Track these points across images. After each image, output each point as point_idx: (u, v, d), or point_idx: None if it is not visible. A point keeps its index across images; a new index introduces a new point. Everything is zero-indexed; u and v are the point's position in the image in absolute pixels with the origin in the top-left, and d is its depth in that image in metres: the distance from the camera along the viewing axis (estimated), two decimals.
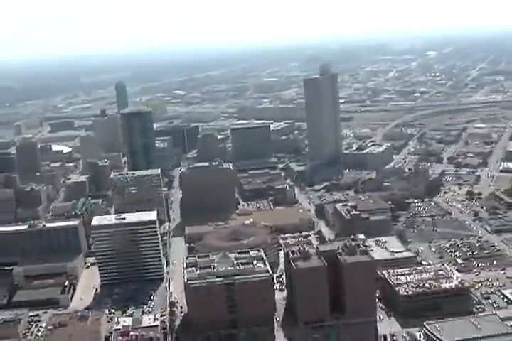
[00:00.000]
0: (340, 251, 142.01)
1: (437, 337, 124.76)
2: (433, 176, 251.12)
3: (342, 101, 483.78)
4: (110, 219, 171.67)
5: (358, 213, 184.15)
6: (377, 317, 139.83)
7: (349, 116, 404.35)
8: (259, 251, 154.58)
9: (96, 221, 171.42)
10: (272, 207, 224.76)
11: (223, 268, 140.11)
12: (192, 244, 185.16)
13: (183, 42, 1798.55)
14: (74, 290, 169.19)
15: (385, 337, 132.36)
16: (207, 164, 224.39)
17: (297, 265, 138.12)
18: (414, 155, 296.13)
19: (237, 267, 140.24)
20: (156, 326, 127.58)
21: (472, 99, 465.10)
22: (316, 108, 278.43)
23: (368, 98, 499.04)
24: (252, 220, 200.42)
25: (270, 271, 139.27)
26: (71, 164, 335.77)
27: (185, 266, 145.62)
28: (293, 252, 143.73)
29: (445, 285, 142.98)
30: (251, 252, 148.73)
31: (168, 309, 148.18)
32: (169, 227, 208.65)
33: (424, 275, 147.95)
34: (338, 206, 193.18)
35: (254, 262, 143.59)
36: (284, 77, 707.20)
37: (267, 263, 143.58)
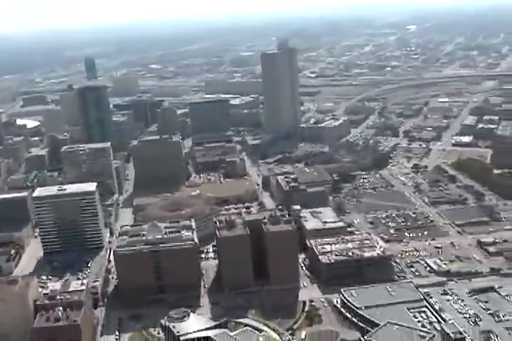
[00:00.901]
0: (265, 220, 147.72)
1: (351, 303, 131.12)
2: (385, 149, 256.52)
3: (313, 75, 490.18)
4: (52, 190, 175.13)
5: (296, 185, 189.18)
6: (302, 284, 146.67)
7: (316, 90, 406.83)
8: (196, 220, 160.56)
9: (38, 192, 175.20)
10: (221, 179, 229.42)
11: (151, 237, 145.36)
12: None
13: (174, 15, 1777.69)
14: (20, 258, 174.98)
15: (304, 302, 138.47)
16: (157, 137, 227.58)
17: (221, 233, 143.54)
18: (372, 129, 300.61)
19: (165, 235, 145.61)
20: (82, 290, 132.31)
21: (441, 73, 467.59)
22: (272, 82, 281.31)
23: (339, 72, 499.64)
24: (198, 192, 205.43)
25: (196, 240, 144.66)
26: (36, 138, 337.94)
27: (118, 234, 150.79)
28: (220, 221, 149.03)
29: (367, 253, 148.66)
30: (181, 222, 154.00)
31: (103, 275, 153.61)
32: (118, 198, 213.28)
33: (350, 245, 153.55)
34: (280, 178, 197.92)
35: (183, 231, 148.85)
36: (261, 52, 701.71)
37: (194, 232, 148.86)
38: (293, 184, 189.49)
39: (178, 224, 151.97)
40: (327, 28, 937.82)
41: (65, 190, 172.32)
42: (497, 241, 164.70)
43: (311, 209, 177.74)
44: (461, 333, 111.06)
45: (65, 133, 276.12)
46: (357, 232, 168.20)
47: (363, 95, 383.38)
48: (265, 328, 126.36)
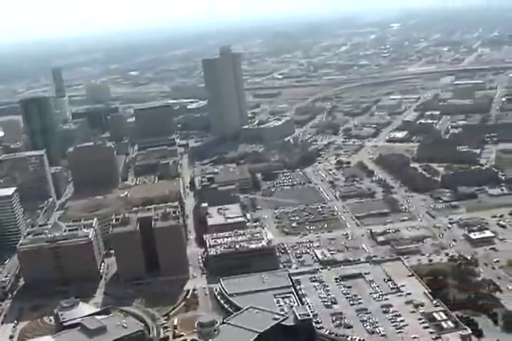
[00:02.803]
0: (156, 217, 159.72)
1: (225, 291, 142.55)
2: (318, 147, 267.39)
3: (280, 77, 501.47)
4: None
5: (207, 184, 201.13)
6: (191, 275, 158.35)
7: (277, 92, 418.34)
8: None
9: None
10: (155, 180, 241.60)
11: (51, 235, 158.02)
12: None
13: (164, 21, 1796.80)
14: None
15: (187, 291, 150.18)
16: (91, 144, 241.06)
17: (114, 230, 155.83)
18: (315, 128, 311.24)
19: (64, 233, 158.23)
20: None
21: (404, 71, 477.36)
22: (215, 87, 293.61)
23: (307, 73, 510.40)
24: (127, 193, 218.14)
25: (91, 236, 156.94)
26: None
27: (25, 234, 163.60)
28: (117, 219, 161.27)
29: (253, 245, 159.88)
30: (83, 221, 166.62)
31: (14, 271, 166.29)
32: (55, 202, 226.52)
33: (240, 238, 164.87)
34: (197, 178, 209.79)
35: (83, 229, 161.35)
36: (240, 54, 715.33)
37: (93, 229, 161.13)
38: (205, 183, 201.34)
39: (80, 223, 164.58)
40: (311, 29, 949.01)
41: None
42: (389, 231, 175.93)
43: (220, 206, 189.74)
44: (308, 315, 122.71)
45: (17, 142, 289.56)
46: (254, 226, 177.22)
47: (319, 95, 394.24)
48: (142, 314, 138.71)
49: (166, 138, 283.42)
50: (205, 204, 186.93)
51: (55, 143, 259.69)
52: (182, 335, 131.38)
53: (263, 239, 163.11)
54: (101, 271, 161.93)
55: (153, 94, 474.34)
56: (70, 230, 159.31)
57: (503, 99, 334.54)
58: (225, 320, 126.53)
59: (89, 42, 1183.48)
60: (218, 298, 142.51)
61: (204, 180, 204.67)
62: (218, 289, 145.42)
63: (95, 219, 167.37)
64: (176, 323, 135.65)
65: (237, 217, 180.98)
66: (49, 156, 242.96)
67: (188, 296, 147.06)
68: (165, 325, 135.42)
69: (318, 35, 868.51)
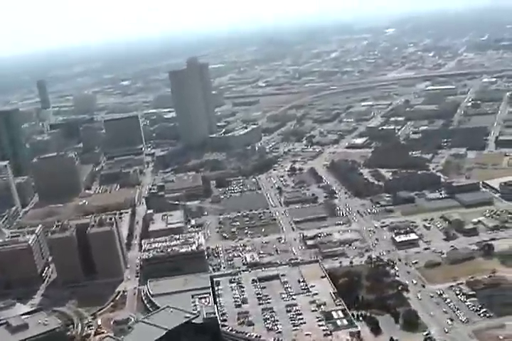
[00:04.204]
0: (93, 223, 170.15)
1: (149, 291, 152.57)
2: (279, 154, 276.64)
3: (263, 85, 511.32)
4: None
5: (154, 192, 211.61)
6: (126, 278, 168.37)
7: (255, 100, 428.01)
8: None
9: None
10: (117, 189, 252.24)
11: None
12: None
13: (164, 30, 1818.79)
14: None
15: (118, 292, 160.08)
16: (54, 154, 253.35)
17: (51, 236, 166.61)
18: (282, 135, 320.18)
19: (6, 239, 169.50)
20: None
21: (384, 77, 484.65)
22: (181, 98, 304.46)
23: (290, 81, 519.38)
24: (84, 201, 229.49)
25: (30, 242, 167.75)
26: None
27: None
28: (57, 226, 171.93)
29: (184, 249, 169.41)
30: (27, 228, 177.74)
31: None
32: (19, 210, 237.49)
33: (174, 242, 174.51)
34: (148, 186, 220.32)
35: (26, 235, 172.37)
36: (231, 62, 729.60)
37: (34, 236, 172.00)
38: (153, 191, 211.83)
39: (24, 230, 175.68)
40: (308, 35, 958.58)
41: None
42: (320, 235, 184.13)
43: (164, 213, 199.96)
44: (214, 313, 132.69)
45: None
46: (192, 232, 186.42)
47: (295, 103, 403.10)
48: (72, 313, 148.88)
49: (134, 147, 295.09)
50: (150, 211, 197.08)
51: (23, 154, 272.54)
52: (103, 333, 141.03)
53: (195, 243, 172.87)
54: (44, 274, 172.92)
55: (137, 104, 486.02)
56: (12, 236, 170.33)
57: (468, 104, 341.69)
58: (140, 319, 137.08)
59: (90, 52, 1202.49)
60: (143, 298, 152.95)
61: (153, 188, 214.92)
62: (145, 290, 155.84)
63: (39, 226, 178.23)
64: (99, 322, 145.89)
65: (177, 222, 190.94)
66: (18, 167, 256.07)
67: (118, 297, 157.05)
68: (90, 323, 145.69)
69: (312, 41, 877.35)
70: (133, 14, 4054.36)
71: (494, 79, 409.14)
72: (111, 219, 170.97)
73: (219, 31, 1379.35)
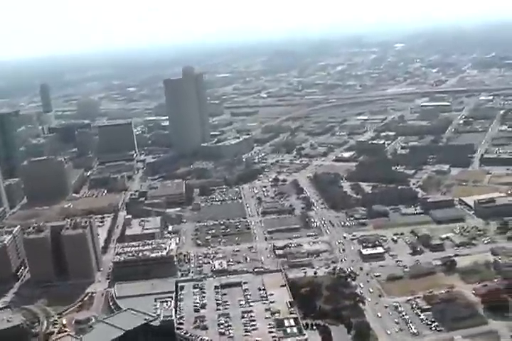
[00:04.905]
0: (67, 226, 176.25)
1: (115, 294, 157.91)
2: (266, 165, 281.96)
3: (265, 95, 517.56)
4: None
5: (135, 198, 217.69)
6: (97, 279, 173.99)
7: (254, 110, 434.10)
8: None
9: None
10: (104, 193, 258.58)
11: None
12: None
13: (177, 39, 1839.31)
14: None
15: (86, 294, 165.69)
16: (44, 158, 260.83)
17: (26, 236, 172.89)
18: (273, 146, 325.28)
19: None
20: None
21: (384, 91, 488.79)
22: (175, 106, 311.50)
23: (292, 92, 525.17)
24: (69, 204, 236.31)
25: (6, 242, 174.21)
26: None
27: None
28: (33, 227, 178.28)
29: (154, 254, 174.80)
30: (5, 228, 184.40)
31: None
32: (6, 211, 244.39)
33: (146, 247, 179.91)
34: (131, 192, 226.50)
35: (3, 235, 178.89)
36: (238, 72, 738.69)
37: (11, 236, 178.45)
38: (134, 197, 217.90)
39: (1, 230, 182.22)
40: (318, 47, 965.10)
41: None
42: (290, 245, 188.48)
43: (142, 219, 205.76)
44: (170, 316, 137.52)
45: None
46: (165, 237, 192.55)
47: (292, 114, 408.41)
48: (39, 311, 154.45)
49: (126, 153, 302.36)
50: (128, 216, 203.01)
51: (16, 156, 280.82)
52: (66, 331, 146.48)
53: (166, 248, 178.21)
54: (19, 273, 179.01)
55: (139, 111, 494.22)
56: None
57: (461, 122, 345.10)
58: (101, 319, 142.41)
59: (103, 58, 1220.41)
60: (109, 300, 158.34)
61: (134, 194, 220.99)
62: (111, 292, 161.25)
63: (17, 227, 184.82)
64: (64, 321, 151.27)
65: (153, 228, 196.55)
66: (10, 169, 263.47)
67: (86, 298, 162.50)
68: (55, 321, 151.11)
69: (321, 53, 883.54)
70: (145, 23, 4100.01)
71: (491, 97, 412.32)
72: (86, 222, 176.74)
73: (231, 41, 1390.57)
